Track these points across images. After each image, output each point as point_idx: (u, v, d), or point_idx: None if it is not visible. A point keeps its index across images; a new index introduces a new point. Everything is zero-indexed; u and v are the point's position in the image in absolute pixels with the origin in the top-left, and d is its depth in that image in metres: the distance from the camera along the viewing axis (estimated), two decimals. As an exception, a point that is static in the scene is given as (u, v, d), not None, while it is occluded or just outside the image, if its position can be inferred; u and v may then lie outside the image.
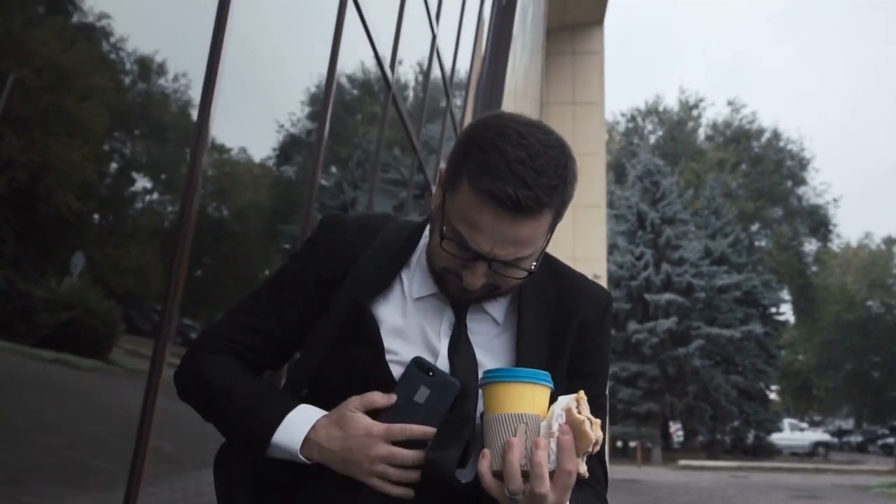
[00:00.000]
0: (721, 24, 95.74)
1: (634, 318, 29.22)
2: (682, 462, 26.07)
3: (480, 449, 1.12)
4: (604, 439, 1.17)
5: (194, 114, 2.65)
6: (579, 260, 16.39)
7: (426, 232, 1.36)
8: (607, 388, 1.37)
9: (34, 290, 2.07)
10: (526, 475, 1.04)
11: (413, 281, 1.32)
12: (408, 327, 1.29)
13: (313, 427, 1.20)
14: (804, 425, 36.53)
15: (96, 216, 2.43)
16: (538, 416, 1.08)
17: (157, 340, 2.53)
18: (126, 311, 2.66)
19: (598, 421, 1.07)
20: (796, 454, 31.13)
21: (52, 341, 2.13)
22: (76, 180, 2.11)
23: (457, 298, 1.27)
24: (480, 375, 1.20)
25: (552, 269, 1.36)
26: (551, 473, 1.04)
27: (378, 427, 1.18)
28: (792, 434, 32.47)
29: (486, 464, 1.08)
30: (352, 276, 1.31)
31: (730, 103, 49.14)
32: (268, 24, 3.39)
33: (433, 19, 6.58)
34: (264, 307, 1.35)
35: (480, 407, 1.18)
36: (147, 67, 2.42)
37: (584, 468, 1.07)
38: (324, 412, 1.23)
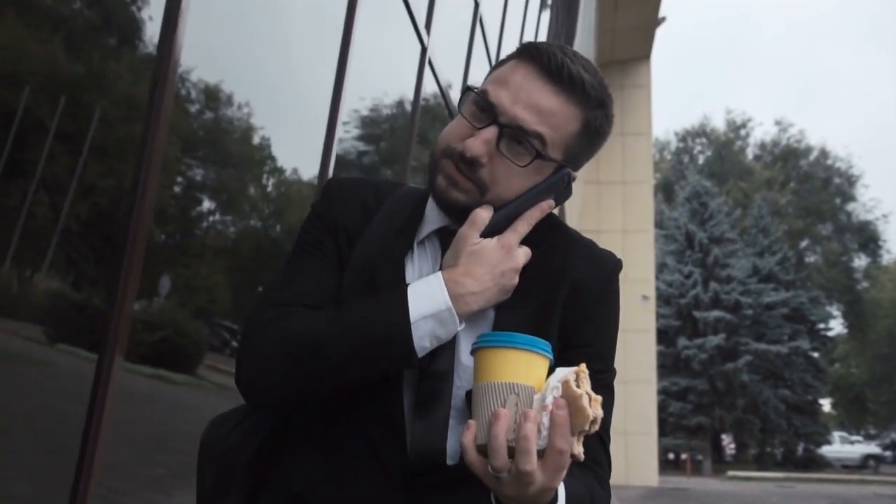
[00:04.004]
0: (770, 44, 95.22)
1: (684, 335, 30.16)
2: (731, 473, 26.64)
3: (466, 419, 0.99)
4: (608, 421, 1.12)
5: (254, 139, 2.82)
6: (629, 281, 17.57)
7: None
8: (613, 364, 1.22)
9: (134, 312, 2.14)
10: (512, 451, 0.92)
11: (423, 228, 1.22)
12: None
13: (446, 282, 1.09)
14: (856, 438, 36.54)
15: (171, 238, 2.48)
16: (532, 387, 0.95)
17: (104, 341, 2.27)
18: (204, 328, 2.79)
19: (599, 398, 0.93)
20: (847, 467, 31.30)
21: (150, 358, 2.24)
22: (154, 205, 2.08)
23: (443, 196, 1.15)
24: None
25: (555, 228, 1.24)
26: (541, 451, 0.91)
27: (507, 237, 1.13)
28: (842, 447, 32.78)
29: (469, 436, 0.95)
30: (368, 238, 1.20)
31: (777, 123, 49.48)
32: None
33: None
34: (307, 266, 1.21)
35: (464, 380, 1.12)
36: (214, 98, 2.51)
37: (579, 449, 0.93)
38: (434, 273, 1.12)
